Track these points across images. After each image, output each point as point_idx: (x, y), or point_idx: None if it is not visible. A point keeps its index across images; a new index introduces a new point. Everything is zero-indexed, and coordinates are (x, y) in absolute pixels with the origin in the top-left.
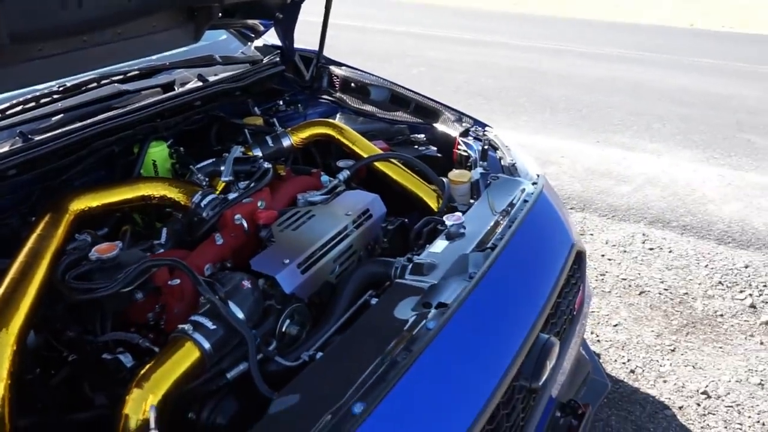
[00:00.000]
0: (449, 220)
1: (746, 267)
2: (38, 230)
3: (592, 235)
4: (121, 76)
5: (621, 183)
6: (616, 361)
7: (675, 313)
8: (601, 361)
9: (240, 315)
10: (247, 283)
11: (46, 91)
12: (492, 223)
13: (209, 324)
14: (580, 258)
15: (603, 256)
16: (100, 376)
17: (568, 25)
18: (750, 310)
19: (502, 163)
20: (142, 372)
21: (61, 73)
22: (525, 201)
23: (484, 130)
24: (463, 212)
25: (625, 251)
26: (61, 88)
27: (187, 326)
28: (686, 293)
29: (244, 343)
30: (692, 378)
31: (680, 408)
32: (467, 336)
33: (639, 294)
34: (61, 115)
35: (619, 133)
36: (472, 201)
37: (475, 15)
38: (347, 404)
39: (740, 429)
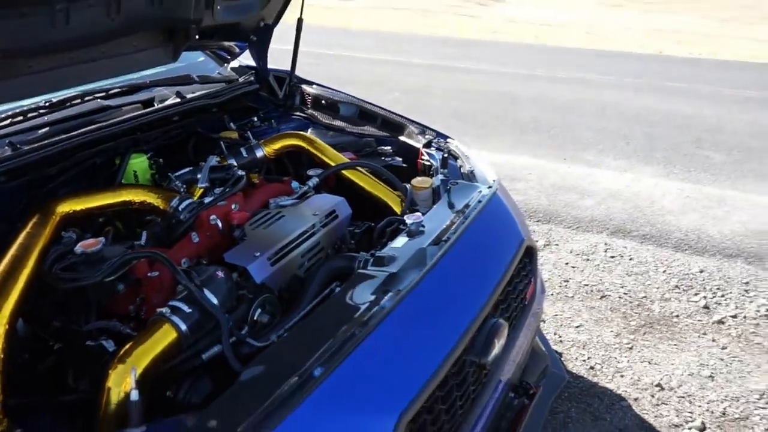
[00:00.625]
0: (409, 219)
1: (701, 272)
2: (27, 229)
3: (557, 245)
4: (104, 93)
5: (585, 197)
6: (576, 359)
7: (633, 314)
8: (563, 359)
9: (214, 301)
10: (220, 273)
11: (33, 105)
12: (449, 222)
13: (185, 308)
14: (530, 253)
15: (567, 264)
16: (84, 362)
17: (541, 52)
18: (704, 310)
19: (462, 170)
20: (124, 349)
21: (48, 89)
22: (479, 201)
23: (446, 141)
24: (424, 213)
25: (587, 259)
26: (47, 103)
27: (165, 310)
28: (645, 296)
29: (219, 326)
30: (648, 372)
31: (635, 399)
32: (420, 314)
33: (600, 298)
34: (47, 128)
35: (586, 151)
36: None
37: (453, 43)
38: (309, 369)
39: (690, 417)
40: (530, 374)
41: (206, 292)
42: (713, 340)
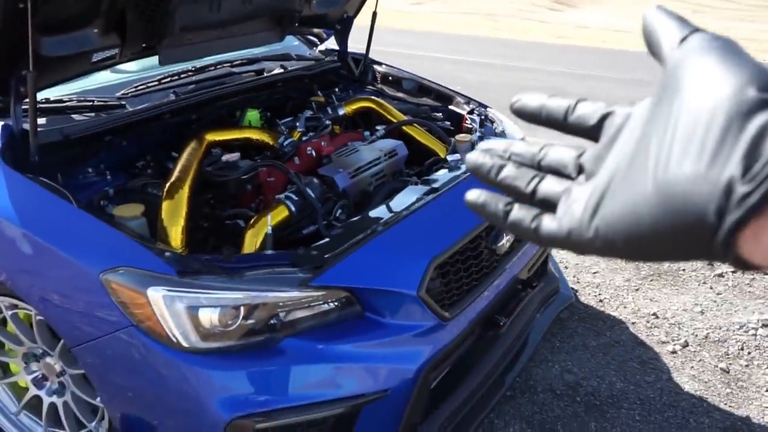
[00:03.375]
0: (450, 157)
1: None
2: (189, 147)
3: None
4: (230, 63)
5: None
6: (589, 294)
7: (645, 266)
8: (578, 294)
9: (312, 195)
10: (316, 180)
11: (185, 68)
12: None
13: (294, 197)
14: None
15: None
16: (225, 234)
17: (604, 55)
18: (708, 266)
19: (496, 130)
20: (254, 219)
21: (198, 56)
22: None
23: (485, 109)
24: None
25: None
26: (193, 68)
27: (281, 196)
28: None
29: (315, 212)
30: (647, 306)
31: (633, 323)
32: (450, 207)
33: None
34: (194, 85)
35: None
36: None
37: (515, 45)
38: (375, 229)
39: (677, 337)
40: (543, 290)
41: (307, 189)
42: (711, 288)
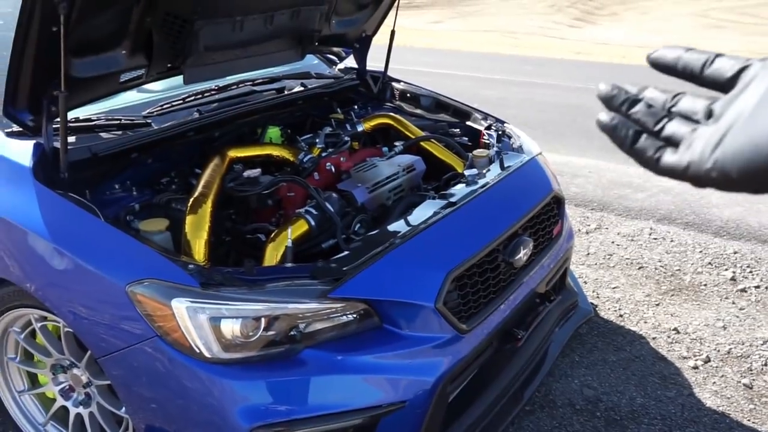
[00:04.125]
0: (468, 172)
1: (735, 253)
2: (212, 163)
3: (606, 228)
4: (251, 81)
5: (638, 191)
6: (609, 309)
7: (665, 281)
8: (597, 309)
9: (332, 209)
10: (335, 195)
11: (208, 87)
12: (497, 176)
13: (314, 211)
14: (558, 201)
15: (613, 242)
16: (246, 248)
17: (624, 71)
18: (730, 282)
19: (513, 145)
20: (275, 233)
21: (221, 75)
22: (521, 162)
23: (503, 125)
24: (480, 172)
25: (632, 240)
26: (216, 87)
27: (301, 210)
28: (678, 269)
29: (334, 226)
30: (668, 321)
31: (653, 338)
32: (468, 221)
33: (638, 269)
34: (216, 103)
35: None
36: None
37: (534, 61)
38: (393, 242)
39: (699, 353)
40: (562, 305)
41: (326, 204)
42: (733, 303)
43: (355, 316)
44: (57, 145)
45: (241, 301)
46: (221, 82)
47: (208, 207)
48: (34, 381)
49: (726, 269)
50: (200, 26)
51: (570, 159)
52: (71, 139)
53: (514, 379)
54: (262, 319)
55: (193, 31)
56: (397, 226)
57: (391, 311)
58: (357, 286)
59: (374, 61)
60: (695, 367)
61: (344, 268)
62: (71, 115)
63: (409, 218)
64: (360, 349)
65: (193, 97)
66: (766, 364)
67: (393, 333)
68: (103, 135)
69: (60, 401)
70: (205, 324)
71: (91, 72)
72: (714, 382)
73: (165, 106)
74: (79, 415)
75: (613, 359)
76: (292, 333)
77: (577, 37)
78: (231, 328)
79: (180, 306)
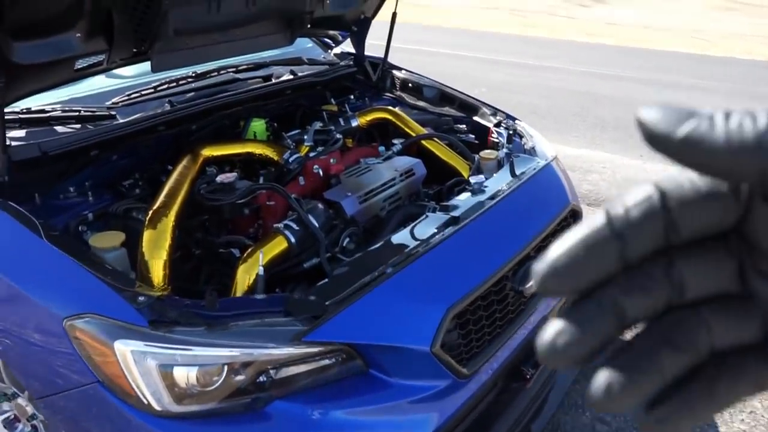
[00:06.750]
0: (474, 179)
1: None
2: (181, 165)
3: None
4: (234, 68)
5: None
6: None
7: None
8: None
9: (316, 224)
10: (321, 205)
11: (183, 74)
12: (507, 184)
13: (295, 226)
14: (576, 215)
15: None
16: (216, 264)
17: (637, 55)
18: None
19: (525, 146)
20: (248, 251)
21: (197, 61)
22: (534, 169)
23: (514, 122)
24: (487, 178)
25: None
26: (193, 73)
27: (280, 225)
28: None
29: (318, 243)
30: None
31: None
32: (473, 243)
33: None
34: (193, 92)
35: None
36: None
37: (543, 43)
38: (384, 269)
39: None
40: None
41: (309, 216)
42: None
43: (335, 359)
44: None
45: (199, 345)
46: (199, 69)
47: (169, 221)
48: None
49: None
50: (169, 6)
51: (582, 152)
52: (20, 133)
53: (521, 415)
54: (225, 367)
55: (161, 12)
56: (390, 247)
57: (378, 355)
58: (338, 327)
59: (375, 40)
60: None
61: (326, 303)
62: (21, 105)
63: (405, 237)
64: (339, 399)
65: (166, 86)
66: None
67: (380, 380)
68: (60, 129)
69: None
70: (153, 371)
71: (38, 58)
72: (742, 419)
73: (133, 96)
74: None
75: None
76: (260, 380)
77: (588, 16)
78: (186, 374)
79: (124, 349)
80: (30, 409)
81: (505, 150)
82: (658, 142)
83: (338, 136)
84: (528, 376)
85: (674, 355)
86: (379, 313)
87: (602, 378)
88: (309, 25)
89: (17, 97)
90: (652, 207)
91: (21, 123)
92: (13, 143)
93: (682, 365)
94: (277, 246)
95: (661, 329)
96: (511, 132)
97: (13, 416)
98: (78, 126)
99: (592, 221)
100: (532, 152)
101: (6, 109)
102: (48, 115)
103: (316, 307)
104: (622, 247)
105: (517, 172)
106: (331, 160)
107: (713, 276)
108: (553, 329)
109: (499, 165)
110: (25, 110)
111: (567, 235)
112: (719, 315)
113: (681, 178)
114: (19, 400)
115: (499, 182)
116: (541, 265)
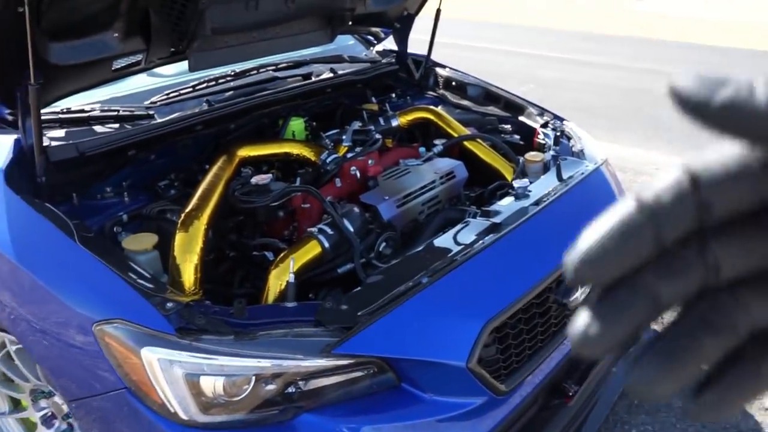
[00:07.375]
0: (517, 183)
1: None
2: (217, 165)
3: None
4: (274, 66)
5: None
6: None
7: None
8: None
9: (351, 228)
10: (357, 209)
11: (222, 73)
12: (553, 189)
13: (329, 230)
14: None
15: None
16: (251, 267)
17: (693, 50)
18: None
19: (573, 149)
20: (281, 255)
21: (236, 60)
22: (582, 174)
23: (561, 123)
24: (532, 182)
25: None
26: (232, 72)
27: (314, 229)
28: None
29: (352, 248)
30: None
31: None
32: (515, 252)
33: None
34: (232, 92)
35: None
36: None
37: (593, 38)
38: (419, 279)
39: None
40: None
41: (345, 221)
42: None
43: (366, 371)
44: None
45: (226, 355)
46: (238, 68)
47: (201, 224)
48: (16, 404)
49: None
50: (206, 5)
51: (636, 152)
52: (59, 133)
53: None
54: (252, 377)
55: (198, 10)
56: (428, 252)
57: (411, 368)
58: (370, 339)
59: (418, 34)
60: None
61: (357, 313)
62: (62, 105)
63: (443, 244)
64: (370, 414)
65: (204, 85)
66: None
67: (412, 395)
68: (99, 129)
69: (42, 429)
70: (180, 379)
71: (76, 58)
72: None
73: (171, 95)
74: None
75: (679, 405)
76: (289, 390)
77: (637, 8)
78: (213, 384)
79: (151, 356)
80: (65, 408)
81: (551, 152)
82: (695, 109)
83: (377, 136)
84: (570, 394)
85: (715, 338)
86: (413, 325)
87: (644, 365)
88: (350, 23)
89: (55, 98)
90: (683, 189)
91: (61, 123)
92: (53, 143)
93: (723, 347)
94: (311, 251)
95: (699, 313)
96: (558, 133)
97: (50, 413)
98: (116, 126)
99: (621, 209)
100: (580, 155)
101: (46, 109)
102: (87, 114)
103: (347, 318)
104: (656, 231)
105: (564, 177)
106: (369, 161)
107: (748, 255)
108: (585, 317)
109: (545, 168)
110: (65, 110)
111: (596, 224)
112: (758, 294)
113: (708, 157)
114: (56, 398)
115: (545, 187)
116: (574, 255)
